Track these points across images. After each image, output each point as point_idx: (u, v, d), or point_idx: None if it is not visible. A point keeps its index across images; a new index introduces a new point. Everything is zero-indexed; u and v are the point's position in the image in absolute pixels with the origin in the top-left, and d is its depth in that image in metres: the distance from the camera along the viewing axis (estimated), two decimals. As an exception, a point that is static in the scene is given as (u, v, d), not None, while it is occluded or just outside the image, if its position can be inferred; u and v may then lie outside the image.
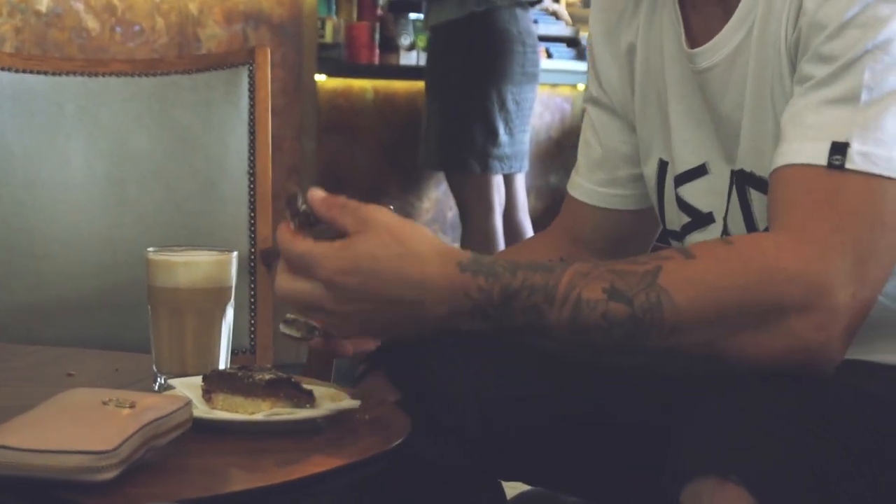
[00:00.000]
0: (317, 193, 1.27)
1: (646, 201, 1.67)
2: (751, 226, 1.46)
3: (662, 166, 1.58)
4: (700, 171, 1.52)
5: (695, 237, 1.53)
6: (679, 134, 1.54)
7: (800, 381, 1.28)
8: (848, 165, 1.26)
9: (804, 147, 1.29)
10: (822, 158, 1.27)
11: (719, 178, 1.50)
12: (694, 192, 1.53)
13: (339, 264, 1.22)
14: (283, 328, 1.36)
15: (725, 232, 1.50)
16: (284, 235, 1.26)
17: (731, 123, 1.47)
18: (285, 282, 1.26)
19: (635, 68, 1.61)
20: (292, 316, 1.35)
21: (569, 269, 1.24)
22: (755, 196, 1.45)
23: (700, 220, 1.53)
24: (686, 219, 1.54)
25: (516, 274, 1.23)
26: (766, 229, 1.38)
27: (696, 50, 1.49)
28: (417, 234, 1.25)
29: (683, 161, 1.53)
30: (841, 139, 1.27)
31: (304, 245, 1.24)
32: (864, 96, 1.29)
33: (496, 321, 1.24)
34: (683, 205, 1.54)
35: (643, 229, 1.71)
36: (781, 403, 1.26)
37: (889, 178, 1.26)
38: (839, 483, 1.19)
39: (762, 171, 1.42)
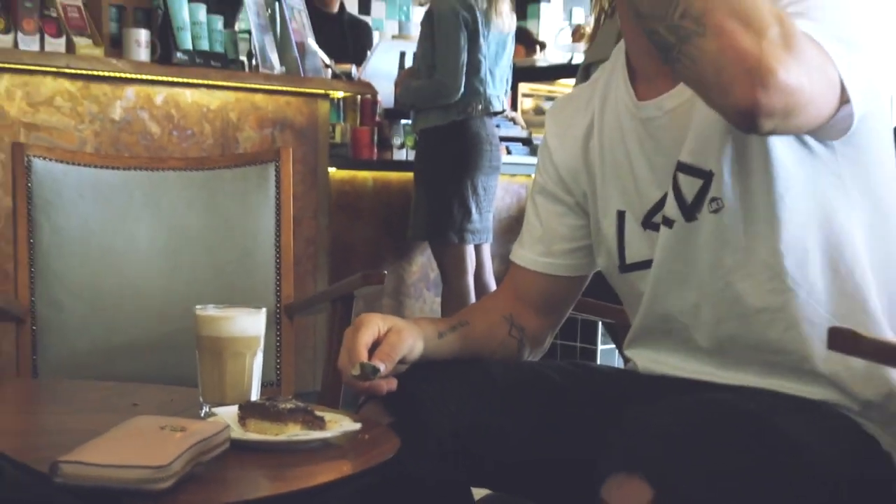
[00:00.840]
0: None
1: (573, 270, 1.67)
2: (680, 200, 1.45)
3: (620, 216, 1.57)
4: (662, 202, 1.50)
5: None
6: (642, 178, 1.53)
7: (699, 404, 1.30)
8: None
9: None
10: None
11: (669, 196, 1.49)
12: (660, 218, 1.51)
13: None
14: (353, 372, 1.40)
15: (663, 220, 1.49)
16: None
17: (673, 144, 1.47)
18: None
19: (592, 146, 1.60)
20: (368, 362, 1.39)
21: None
22: (683, 179, 1.44)
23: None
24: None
25: None
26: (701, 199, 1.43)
27: (647, 102, 1.50)
28: None
29: (650, 195, 1.52)
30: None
31: None
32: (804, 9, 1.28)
33: None
34: (655, 228, 1.52)
35: (571, 292, 1.71)
36: (681, 418, 1.26)
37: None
38: (722, 481, 1.18)
39: (693, 160, 1.43)
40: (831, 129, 1.30)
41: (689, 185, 1.44)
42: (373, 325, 1.44)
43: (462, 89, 4.24)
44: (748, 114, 1.17)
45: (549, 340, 1.72)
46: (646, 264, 1.55)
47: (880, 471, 1.38)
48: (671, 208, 1.46)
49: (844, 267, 1.43)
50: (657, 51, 1.24)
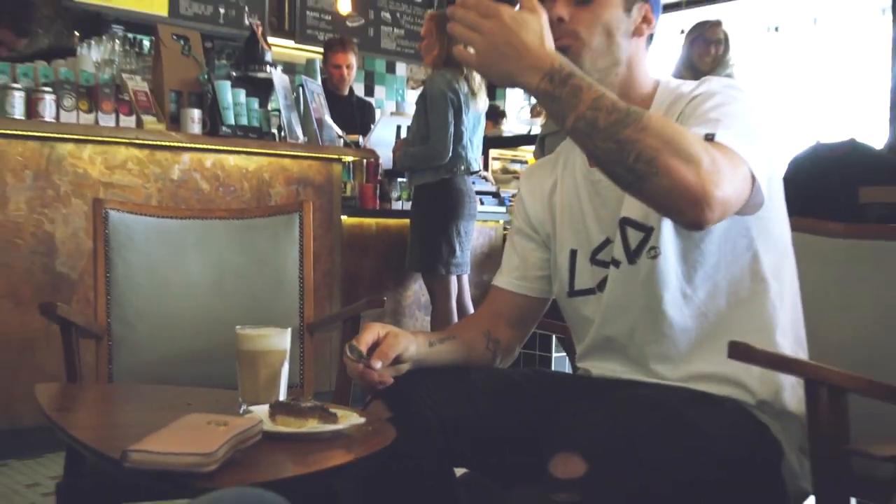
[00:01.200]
0: None
1: (540, 293, 1.68)
2: (626, 248, 1.47)
3: (573, 253, 1.59)
4: (606, 243, 1.53)
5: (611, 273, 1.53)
6: (592, 224, 1.55)
7: (625, 399, 1.30)
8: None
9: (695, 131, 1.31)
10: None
11: (617, 244, 1.50)
12: (605, 255, 1.53)
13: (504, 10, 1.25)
14: (347, 352, 1.41)
15: (612, 262, 1.50)
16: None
17: (615, 199, 1.49)
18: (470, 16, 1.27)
19: (556, 201, 1.63)
20: (353, 344, 1.40)
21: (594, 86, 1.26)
22: (629, 231, 1.47)
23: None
24: (604, 273, 1.53)
25: (577, 73, 1.25)
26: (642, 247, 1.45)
27: (594, 168, 1.51)
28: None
29: (596, 239, 1.54)
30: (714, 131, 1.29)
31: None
32: (723, 118, 1.33)
33: (554, 85, 1.24)
34: (600, 265, 1.54)
35: (537, 309, 1.71)
36: (609, 411, 1.28)
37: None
38: (640, 458, 1.19)
39: (636, 215, 1.46)
40: (748, 207, 1.35)
41: (634, 236, 1.47)
42: (374, 330, 1.45)
43: (449, 154, 4.27)
44: (698, 226, 1.26)
45: (518, 350, 1.72)
46: (589, 291, 1.57)
47: (769, 453, 1.39)
48: (619, 252, 1.49)
49: (747, 294, 1.45)
50: (616, 184, 1.29)
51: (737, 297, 1.45)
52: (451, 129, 4.25)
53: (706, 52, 4.27)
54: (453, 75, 4.24)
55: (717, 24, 4.40)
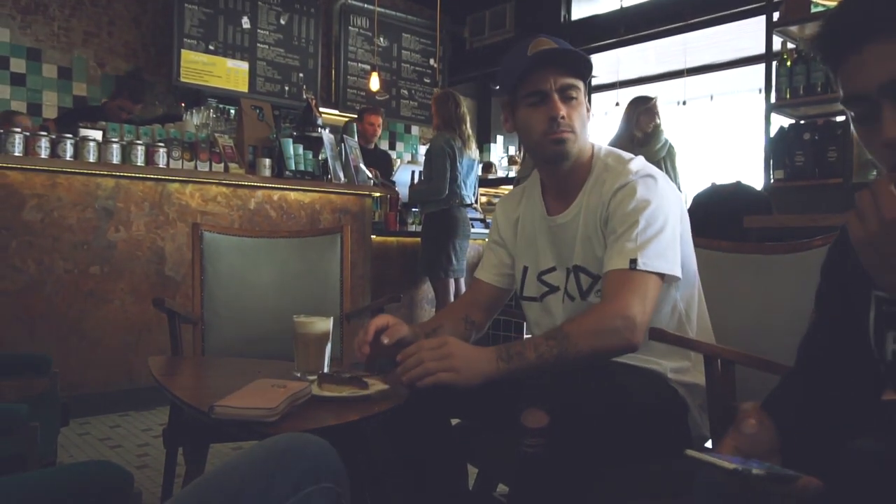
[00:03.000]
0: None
1: (507, 286, 1.63)
2: (579, 289, 1.45)
3: (524, 269, 1.57)
4: (552, 269, 1.51)
5: (548, 298, 1.51)
6: (542, 254, 1.52)
7: (576, 370, 1.27)
8: (638, 268, 1.29)
9: (616, 262, 1.31)
10: (626, 265, 1.29)
11: (560, 272, 1.49)
12: (549, 279, 1.51)
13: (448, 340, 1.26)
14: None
15: (565, 293, 1.47)
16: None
17: (568, 246, 1.46)
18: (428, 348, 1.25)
19: (518, 229, 1.60)
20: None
21: (529, 340, 1.28)
22: (582, 276, 1.45)
23: (552, 290, 1.50)
24: (545, 290, 1.51)
25: (513, 345, 1.25)
26: (591, 289, 1.43)
27: (553, 217, 1.50)
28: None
29: (544, 264, 1.52)
30: (633, 257, 1.29)
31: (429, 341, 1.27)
32: (638, 240, 1.30)
33: (508, 360, 1.24)
34: (544, 283, 1.52)
35: (503, 297, 1.65)
36: (565, 378, 1.26)
37: (649, 273, 1.29)
38: (586, 411, 1.19)
39: (586, 265, 1.43)
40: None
41: (585, 280, 1.44)
42: (382, 319, 1.43)
43: (447, 191, 4.27)
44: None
45: (486, 326, 1.67)
46: (534, 299, 1.55)
47: (677, 410, 1.38)
48: (573, 290, 1.46)
49: (668, 312, 1.43)
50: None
51: (658, 317, 1.41)
52: (448, 174, 4.27)
53: (651, 120, 4.25)
54: (450, 135, 4.28)
55: (655, 99, 4.36)
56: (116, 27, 5.40)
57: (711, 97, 6.67)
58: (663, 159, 4.26)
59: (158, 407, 3.33)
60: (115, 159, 3.30)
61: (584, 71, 1.40)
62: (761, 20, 3.83)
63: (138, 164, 3.36)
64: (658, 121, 4.29)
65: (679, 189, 3.98)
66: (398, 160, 6.27)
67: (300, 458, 0.81)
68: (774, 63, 3.51)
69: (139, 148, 3.37)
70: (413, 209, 4.93)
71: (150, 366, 1.59)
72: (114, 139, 3.33)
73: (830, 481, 0.81)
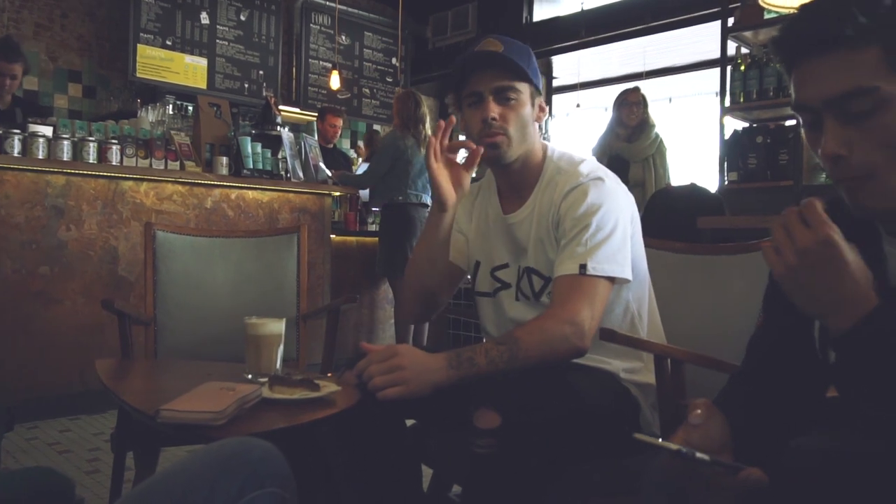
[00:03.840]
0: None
1: (465, 268, 1.59)
2: (532, 290, 1.45)
3: (476, 264, 1.56)
4: (505, 266, 1.50)
5: (501, 294, 1.50)
6: (496, 250, 1.52)
7: (529, 370, 1.27)
8: (587, 273, 1.29)
9: (566, 267, 1.31)
10: (575, 270, 1.30)
11: (513, 269, 1.48)
12: (502, 274, 1.51)
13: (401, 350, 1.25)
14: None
15: (518, 290, 1.47)
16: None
17: (521, 246, 1.46)
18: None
19: (472, 223, 1.59)
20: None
21: (480, 346, 1.27)
22: (534, 278, 1.44)
23: (505, 286, 1.50)
24: (498, 285, 1.51)
25: (464, 350, 1.25)
26: (543, 290, 1.42)
27: (508, 215, 1.49)
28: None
29: (497, 260, 1.51)
30: (583, 262, 1.29)
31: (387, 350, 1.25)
32: (588, 244, 1.31)
33: (458, 367, 1.24)
34: (497, 279, 1.51)
35: (459, 277, 1.60)
36: (516, 378, 1.26)
37: (598, 277, 1.30)
38: (537, 412, 1.19)
39: (539, 268, 1.43)
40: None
41: (537, 282, 1.44)
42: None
43: (371, 186, 4.25)
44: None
45: (445, 302, 1.62)
46: (487, 294, 1.54)
47: (629, 409, 1.39)
48: (527, 289, 1.46)
49: (620, 313, 1.44)
50: None
51: (610, 318, 1.42)
52: (381, 171, 4.22)
53: (631, 112, 4.15)
54: (402, 134, 4.26)
55: (635, 89, 4.26)
56: (69, 20, 5.26)
57: (670, 100, 6.78)
58: (651, 157, 4.11)
59: (112, 410, 3.24)
60: (66, 156, 3.22)
61: (524, 73, 1.39)
62: (717, 25, 3.90)
63: (90, 161, 3.28)
64: (645, 115, 4.14)
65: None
66: (358, 159, 6.23)
67: (245, 463, 0.79)
68: (729, 67, 3.58)
69: (91, 145, 3.29)
70: (374, 209, 4.89)
71: (97, 369, 1.55)
72: (64, 135, 3.24)
73: (774, 477, 0.82)
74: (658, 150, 4.15)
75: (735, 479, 0.79)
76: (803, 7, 0.84)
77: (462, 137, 1.52)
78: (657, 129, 4.21)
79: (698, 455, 0.78)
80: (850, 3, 0.78)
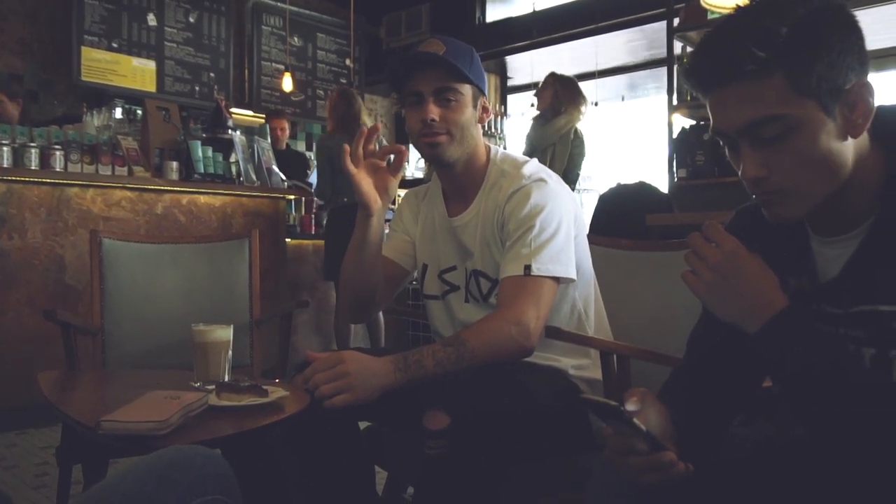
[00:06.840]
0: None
1: (409, 268, 1.59)
2: (480, 292, 1.46)
3: (424, 267, 1.56)
4: (453, 268, 1.51)
5: (450, 296, 1.51)
6: (443, 253, 1.52)
7: (478, 370, 1.27)
8: (532, 273, 1.30)
9: (511, 268, 1.32)
10: (521, 272, 1.31)
11: (461, 271, 1.49)
12: (450, 277, 1.51)
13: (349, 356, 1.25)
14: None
15: (467, 292, 1.48)
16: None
17: (468, 249, 1.47)
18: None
19: (419, 225, 1.59)
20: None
21: (427, 348, 1.28)
22: (482, 280, 1.45)
23: (454, 288, 1.51)
24: (446, 288, 1.52)
25: (411, 353, 1.26)
26: (491, 292, 1.43)
27: (453, 218, 1.50)
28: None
29: (445, 263, 1.52)
30: (528, 263, 1.30)
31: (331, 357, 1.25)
32: (532, 245, 1.32)
33: (406, 370, 1.25)
34: (445, 282, 1.52)
35: (404, 278, 1.59)
36: (464, 379, 1.27)
37: (543, 277, 1.31)
38: (487, 411, 1.20)
39: (486, 270, 1.44)
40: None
41: (484, 284, 1.45)
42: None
43: (329, 192, 4.05)
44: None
45: (387, 302, 1.61)
46: (436, 297, 1.55)
47: (578, 405, 1.41)
48: (475, 292, 1.47)
49: (567, 313, 1.46)
50: None
51: (557, 316, 1.44)
52: (325, 175, 4.04)
53: (540, 96, 4.12)
54: (340, 136, 3.99)
55: (548, 75, 4.20)
56: (9, 22, 5.11)
57: (623, 98, 6.88)
58: (553, 146, 4.02)
59: (60, 423, 3.16)
60: (6, 163, 3.13)
61: (464, 76, 1.39)
62: (664, 25, 3.98)
63: (32, 167, 3.19)
64: (557, 103, 4.04)
65: (571, 184, 3.97)
66: (314, 161, 6.18)
67: (184, 471, 0.79)
68: (675, 66, 3.66)
69: (33, 151, 3.20)
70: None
71: (39, 381, 1.51)
72: (4, 141, 3.15)
73: (708, 465, 0.85)
74: (561, 140, 4.00)
75: (654, 457, 0.81)
76: (705, 42, 0.85)
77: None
78: (577, 126, 4.09)
79: (636, 420, 0.80)
80: (747, 39, 0.78)
